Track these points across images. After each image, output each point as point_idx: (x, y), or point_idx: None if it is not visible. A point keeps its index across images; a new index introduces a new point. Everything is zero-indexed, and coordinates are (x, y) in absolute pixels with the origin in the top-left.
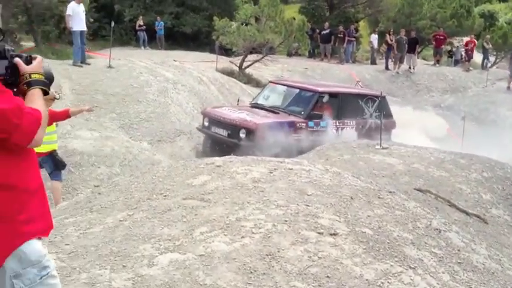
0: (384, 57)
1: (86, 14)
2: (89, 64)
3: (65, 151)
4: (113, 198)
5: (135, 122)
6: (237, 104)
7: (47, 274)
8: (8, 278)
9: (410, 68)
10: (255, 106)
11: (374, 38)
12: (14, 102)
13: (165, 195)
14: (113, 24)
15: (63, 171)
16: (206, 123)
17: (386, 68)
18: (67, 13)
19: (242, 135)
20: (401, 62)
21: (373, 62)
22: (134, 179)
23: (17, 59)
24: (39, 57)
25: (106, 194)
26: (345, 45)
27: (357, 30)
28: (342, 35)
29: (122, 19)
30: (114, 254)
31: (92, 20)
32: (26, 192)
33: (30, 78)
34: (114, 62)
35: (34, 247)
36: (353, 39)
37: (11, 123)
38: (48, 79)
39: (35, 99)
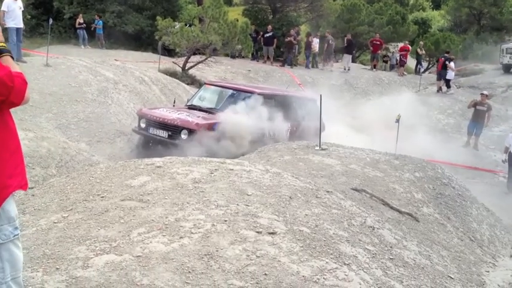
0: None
1: (23, 11)
2: (24, 62)
3: None
4: (47, 200)
5: (73, 122)
6: (173, 105)
7: (18, 235)
8: None
9: (345, 68)
10: (192, 107)
11: (316, 42)
12: (5, 68)
13: (103, 197)
14: (50, 21)
15: None
16: (143, 125)
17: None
18: (2, 9)
19: (184, 136)
20: (325, 61)
21: (314, 65)
22: (70, 180)
23: None
24: None
25: (40, 195)
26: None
27: (298, 33)
28: (286, 38)
29: (61, 16)
30: (47, 256)
31: (29, 16)
32: (7, 152)
33: None
34: (51, 60)
35: (13, 205)
36: (295, 42)
37: (7, 87)
38: None
39: (12, 64)
